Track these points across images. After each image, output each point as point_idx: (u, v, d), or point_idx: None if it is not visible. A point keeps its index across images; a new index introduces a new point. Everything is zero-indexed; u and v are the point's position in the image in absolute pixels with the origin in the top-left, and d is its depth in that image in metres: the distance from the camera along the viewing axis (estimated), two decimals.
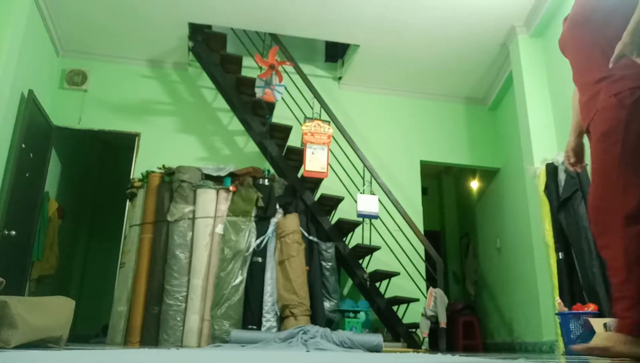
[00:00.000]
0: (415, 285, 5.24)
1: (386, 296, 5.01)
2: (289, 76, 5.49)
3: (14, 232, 4.47)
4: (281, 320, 4.37)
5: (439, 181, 8.23)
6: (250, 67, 5.64)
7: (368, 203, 4.94)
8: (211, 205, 4.64)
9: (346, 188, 5.28)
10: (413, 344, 4.74)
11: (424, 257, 5.46)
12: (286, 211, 4.81)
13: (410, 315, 5.08)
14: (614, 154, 1.71)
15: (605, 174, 1.74)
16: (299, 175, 5.08)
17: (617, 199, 1.68)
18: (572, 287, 4.06)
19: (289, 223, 4.61)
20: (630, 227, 1.64)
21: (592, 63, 1.89)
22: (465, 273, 7.40)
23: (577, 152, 2.10)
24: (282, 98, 5.14)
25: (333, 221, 5.08)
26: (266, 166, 5.18)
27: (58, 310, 3.01)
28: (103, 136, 6.25)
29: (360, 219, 5.03)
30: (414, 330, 4.90)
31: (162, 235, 4.57)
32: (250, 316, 4.36)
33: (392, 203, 5.12)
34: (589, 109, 1.88)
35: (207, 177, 4.80)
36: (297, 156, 5.12)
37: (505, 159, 6.25)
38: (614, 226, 1.68)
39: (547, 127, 4.96)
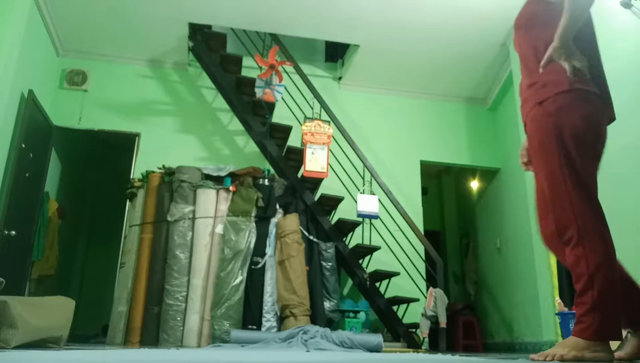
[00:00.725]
0: (415, 285, 5.24)
1: (386, 296, 5.01)
2: (289, 76, 5.49)
3: (14, 232, 4.46)
4: (281, 320, 4.38)
5: (439, 181, 8.22)
6: (250, 67, 5.64)
7: (368, 203, 4.95)
8: (211, 205, 4.63)
9: (346, 188, 5.28)
10: (413, 344, 4.74)
11: (424, 257, 5.46)
12: (286, 211, 4.81)
13: (410, 315, 5.08)
14: (555, 163, 1.71)
15: (554, 189, 1.72)
16: (299, 175, 5.08)
17: (570, 208, 1.68)
18: (572, 287, 4.04)
19: (289, 223, 4.61)
20: (587, 239, 1.65)
21: (526, 67, 1.91)
22: (465, 273, 7.40)
23: None
24: (282, 98, 5.14)
25: (333, 221, 5.08)
26: (266, 166, 5.18)
27: (58, 310, 3.01)
28: (103, 136, 6.24)
29: (360, 219, 5.04)
30: (414, 330, 4.90)
31: (162, 235, 4.57)
32: (250, 317, 4.36)
33: (392, 203, 5.12)
34: (523, 115, 1.90)
35: (207, 177, 4.80)
36: (297, 156, 5.12)
37: (505, 159, 6.25)
38: (574, 237, 1.67)
39: None
